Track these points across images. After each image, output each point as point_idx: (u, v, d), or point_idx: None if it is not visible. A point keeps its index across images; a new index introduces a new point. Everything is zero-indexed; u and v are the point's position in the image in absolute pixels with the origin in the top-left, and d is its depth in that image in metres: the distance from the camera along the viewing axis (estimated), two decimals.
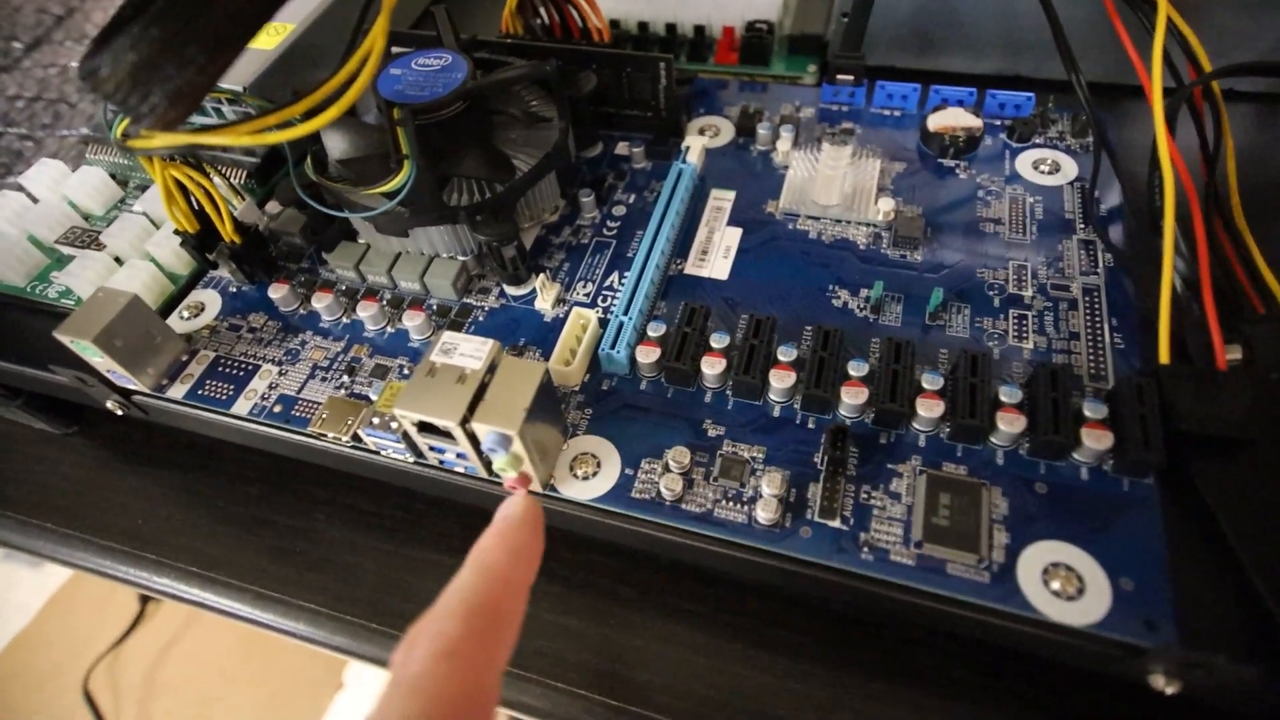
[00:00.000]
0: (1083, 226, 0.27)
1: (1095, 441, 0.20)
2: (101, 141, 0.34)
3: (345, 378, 0.26)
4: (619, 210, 0.30)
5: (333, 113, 0.19)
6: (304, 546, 0.29)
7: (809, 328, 0.25)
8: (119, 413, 0.29)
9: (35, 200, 0.32)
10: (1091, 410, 0.21)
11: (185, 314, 0.28)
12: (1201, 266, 0.23)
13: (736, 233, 0.29)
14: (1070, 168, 0.29)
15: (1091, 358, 0.23)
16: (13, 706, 0.81)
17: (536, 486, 0.22)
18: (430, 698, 0.13)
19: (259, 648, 0.81)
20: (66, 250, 0.30)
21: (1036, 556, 0.20)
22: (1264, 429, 0.20)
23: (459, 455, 0.22)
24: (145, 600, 0.86)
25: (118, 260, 0.29)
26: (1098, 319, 0.24)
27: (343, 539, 0.29)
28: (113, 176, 0.33)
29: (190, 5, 0.17)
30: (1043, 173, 0.29)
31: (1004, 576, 0.19)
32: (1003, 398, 0.22)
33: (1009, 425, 0.21)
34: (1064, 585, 0.19)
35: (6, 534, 0.31)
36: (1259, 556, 0.19)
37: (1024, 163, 0.29)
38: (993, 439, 0.22)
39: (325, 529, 0.29)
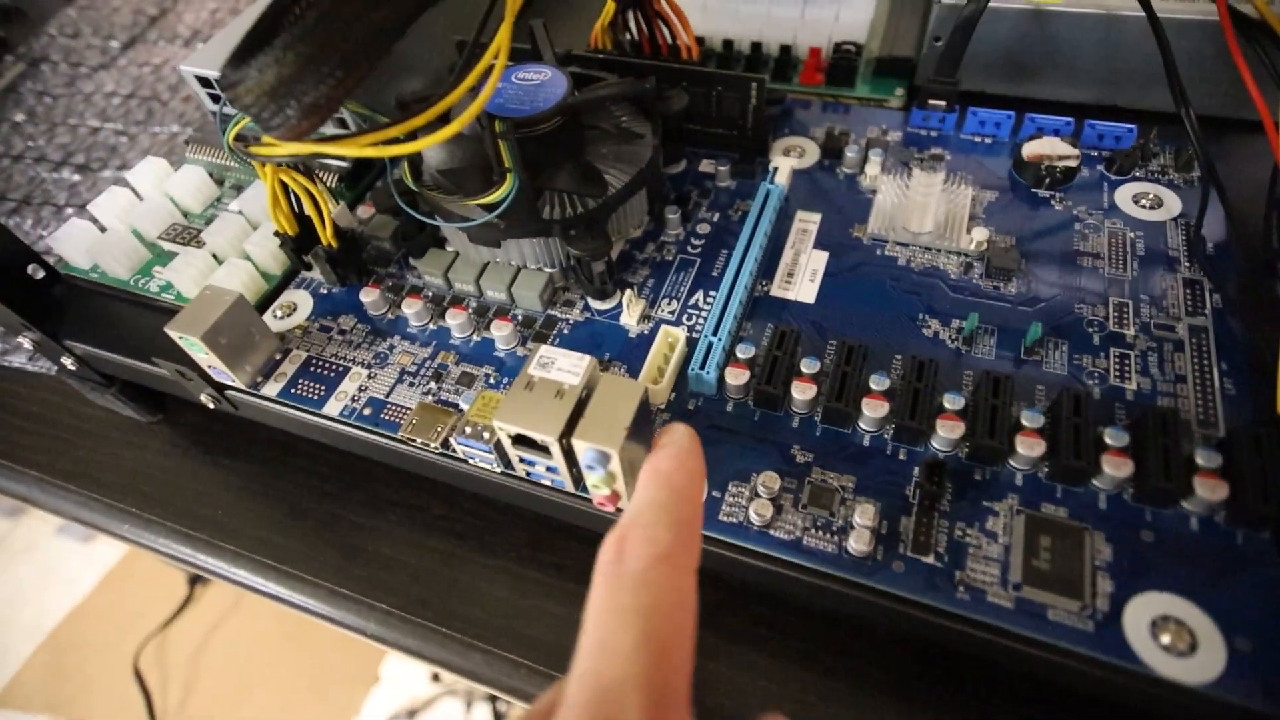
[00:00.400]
0: (1188, 265, 0.26)
1: (1209, 492, 0.20)
2: (202, 141, 0.35)
3: (432, 384, 0.26)
4: (703, 229, 0.30)
5: (455, 126, 0.19)
6: (375, 545, 0.30)
7: (898, 357, 0.25)
8: (211, 406, 0.29)
9: (140, 197, 0.33)
10: (1205, 459, 0.20)
11: (279, 313, 0.29)
12: None
13: (823, 256, 0.28)
14: (1173, 203, 0.28)
15: (1200, 403, 0.23)
16: (68, 675, 0.84)
17: (625, 504, 0.22)
18: (657, 592, 0.14)
19: (299, 637, 0.83)
20: (168, 246, 0.31)
21: (1144, 607, 0.19)
22: None
23: (549, 469, 0.22)
24: (193, 583, 0.89)
25: (216, 258, 0.30)
26: (1206, 362, 0.23)
27: (413, 540, 0.29)
28: (210, 175, 0.34)
29: (333, 23, 0.17)
30: (1144, 207, 0.28)
31: (1109, 626, 0.19)
32: (1108, 440, 0.21)
33: (1115, 469, 0.20)
34: (1174, 639, 0.18)
35: (94, 517, 0.32)
36: None
37: (1124, 196, 0.28)
38: (1095, 482, 0.21)
39: (396, 529, 0.30)
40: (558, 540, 0.28)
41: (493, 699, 0.86)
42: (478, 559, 0.29)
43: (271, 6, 0.18)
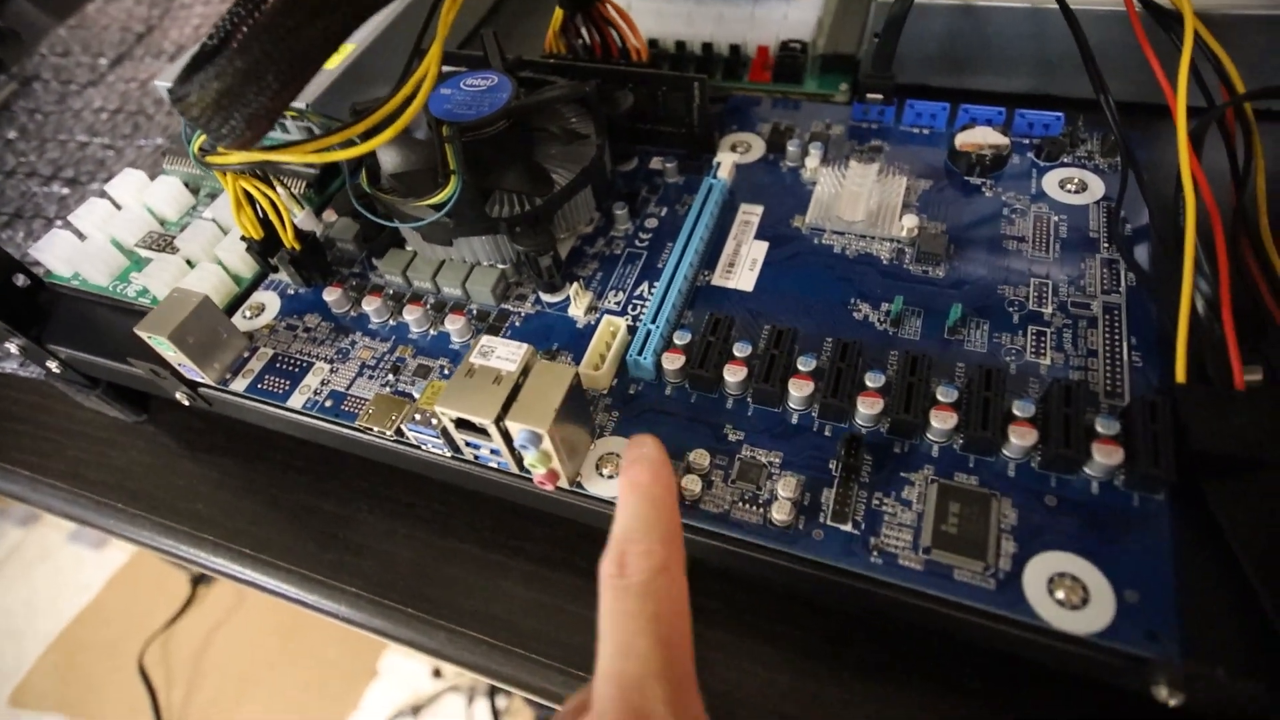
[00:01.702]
0: (1107, 246, 0.27)
1: (1105, 456, 0.21)
2: (178, 153, 0.37)
3: (390, 376, 0.28)
4: (651, 223, 0.31)
5: (388, 134, 0.21)
6: (347, 533, 0.31)
7: (829, 340, 0.26)
8: (186, 403, 0.31)
9: (119, 207, 0.35)
10: (1104, 426, 0.21)
11: (248, 314, 0.31)
12: (1222, 286, 0.23)
13: (763, 246, 0.30)
14: (1098, 187, 0.29)
15: (1109, 375, 0.24)
16: (76, 676, 0.86)
17: (564, 483, 0.24)
18: (661, 598, 0.17)
19: (299, 635, 0.85)
20: (144, 253, 0.33)
21: (1043, 566, 0.20)
22: (1278, 449, 0.20)
23: (493, 451, 0.23)
24: (196, 583, 0.91)
25: (189, 263, 0.32)
26: (1117, 337, 0.25)
27: (383, 527, 0.31)
28: (186, 185, 0.36)
29: (271, 37, 0.19)
30: (1070, 192, 0.29)
31: (1010, 584, 0.20)
32: (1016, 412, 0.22)
33: (1021, 439, 0.22)
34: (1068, 594, 0.20)
35: (83, 513, 0.34)
36: (1267, 574, 0.19)
37: (1051, 181, 0.30)
38: (1005, 452, 0.22)
39: (367, 517, 0.31)
40: (519, 525, 0.30)
41: (492, 694, 0.88)
42: (442, 543, 0.30)
43: (216, 25, 0.19)
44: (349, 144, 0.22)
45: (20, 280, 0.32)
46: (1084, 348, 0.25)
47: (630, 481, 0.19)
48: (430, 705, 0.87)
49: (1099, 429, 0.21)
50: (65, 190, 0.48)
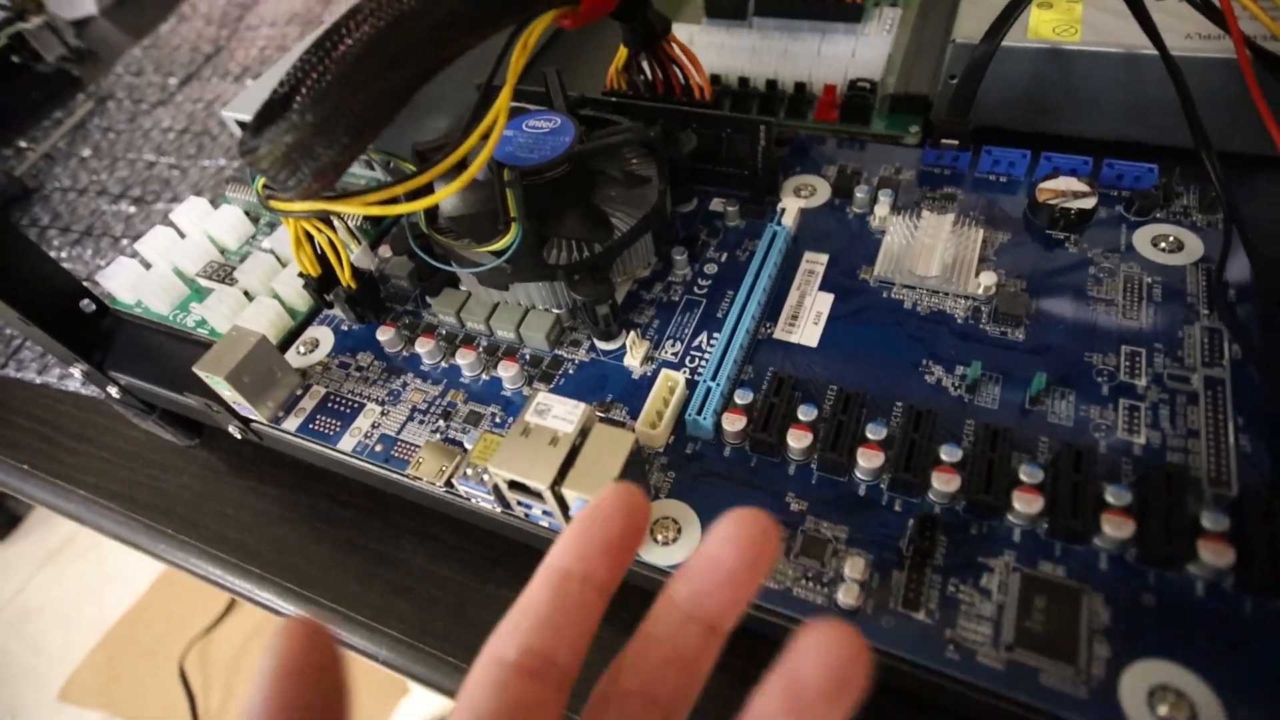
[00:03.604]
0: (1207, 313, 0.25)
1: (1214, 556, 0.19)
2: (240, 181, 0.37)
3: (441, 421, 0.27)
4: (710, 269, 0.30)
5: (455, 186, 0.20)
6: (389, 573, 0.31)
7: (899, 403, 0.25)
8: (238, 436, 0.31)
9: (182, 235, 0.35)
10: (1211, 521, 0.20)
11: (302, 349, 0.30)
12: None
13: (828, 299, 0.28)
14: (1195, 246, 0.27)
15: (1212, 460, 0.22)
16: (120, 675, 0.88)
17: None
18: None
19: None
20: (205, 283, 0.33)
21: (1142, 675, 0.18)
22: None
23: (545, 512, 0.23)
24: None
25: (247, 294, 0.32)
26: (1221, 417, 0.23)
27: (425, 569, 0.30)
28: (247, 214, 0.36)
29: (342, 91, 0.18)
30: (1163, 251, 0.27)
31: (1104, 694, 0.18)
32: (1109, 499, 0.20)
33: (1115, 529, 0.20)
34: (1173, 710, 0.18)
35: (134, 535, 0.34)
36: None
37: (1142, 239, 0.28)
38: (1096, 541, 0.21)
39: (410, 557, 0.31)
40: None
41: None
42: (484, 589, 0.29)
43: (287, 74, 0.19)
44: (415, 195, 0.21)
45: (86, 305, 0.33)
46: (1183, 426, 0.23)
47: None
48: None
49: (1205, 524, 0.20)
50: (132, 209, 0.49)
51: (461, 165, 0.21)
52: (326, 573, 0.31)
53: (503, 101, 0.21)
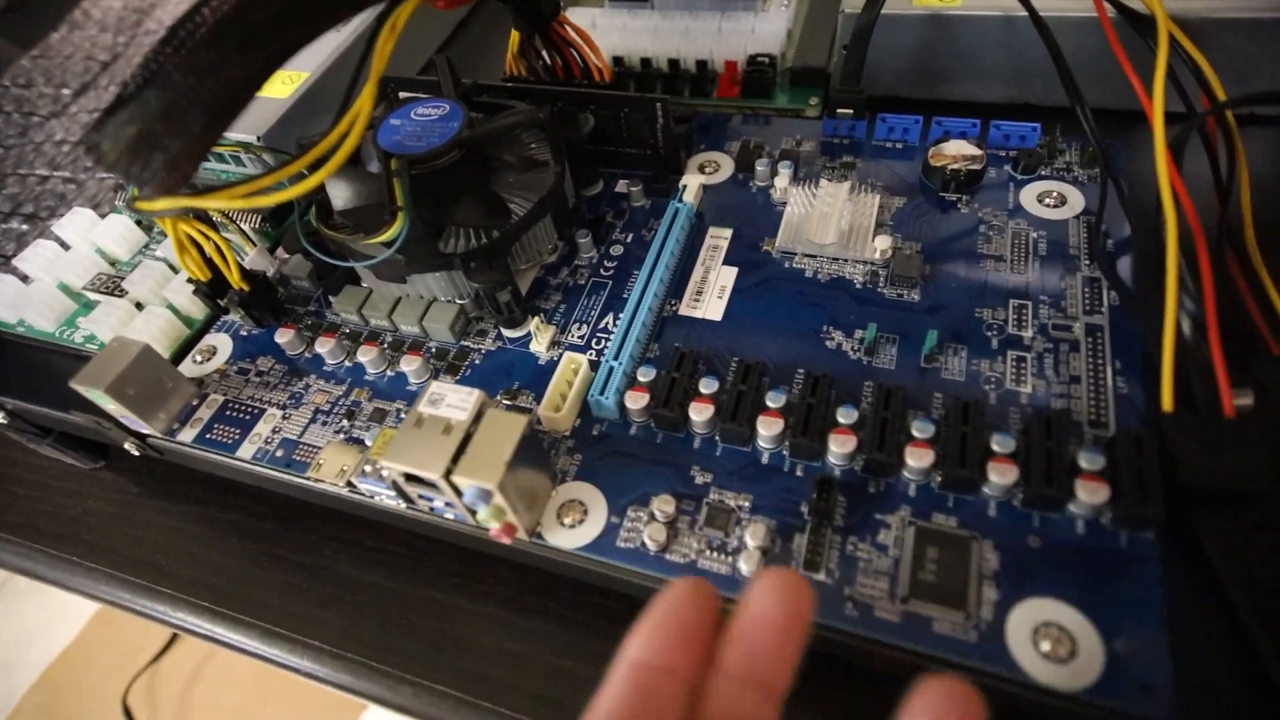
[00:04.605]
0: (1088, 263, 0.26)
1: (1090, 495, 0.20)
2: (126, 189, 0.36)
3: (345, 421, 0.27)
4: (616, 250, 0.30)
5: (316, 179, 0.20)
6: (310, 583, 0.30)
7: (801, 371, 0.25)
8: (135, 453, 0.30)
9: (66, 247, 0.33)
10: (1087, 461, 0.20)
11: (198, 358, 0.29)
12: (1208, 305, 0.22)
13: (732, 272, 0.28)
14: (1077, 201, 0.28)
15: (1093, 403, 0.23)
16: (59, 715, 0.85)
17: (523, 535, 0.22)
18: None
19: (285, 671, 0.83)
20: (93, 296, 0.32)
21: (1027, 615, 0.19)
22: (1275, 481, 0.19)
23: (446, 504, 0.22)
24: None
25: (139, 305, 0.31)
26: (1100, 362, 0.23)
27: (348, 575, 0.30)
28: (138, 223, 0.35)
29: (188, 78, 0.18)
30: (1048, 206, 0.28)
31: (992, 636, 0.19)
32: (995, 447, 0.21)
33: (1001, 476, 0.20)
34: (1055, 646, 0.18)
35: (36, 566, 0.33)
36: (1265, 619, 0.18)
37: (1028, 196, 0.28)
38: (985, 490, 0.21)
39: (332, 564, 0.30)
40: (488, 567, 0.29)
41: None
42: (409, 590, 0.29)
43: (136, 66, 0.18)
44: (281, 186, 0.20)
45: None
46: (1066, 373, 0.23)
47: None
48: None
49: (1082, 464, 0.20)
50: (24, 227, 0.47)
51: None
52: (245, 588, 0.30)
53: (370, 86, 0.20)
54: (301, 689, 0.82)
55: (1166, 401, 0.21)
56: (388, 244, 0.25)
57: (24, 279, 0.32)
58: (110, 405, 0.25)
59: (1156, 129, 0.23)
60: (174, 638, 0.87)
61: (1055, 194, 0.28)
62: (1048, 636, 0.18)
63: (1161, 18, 0.25)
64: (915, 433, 0.22)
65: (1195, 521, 0.20)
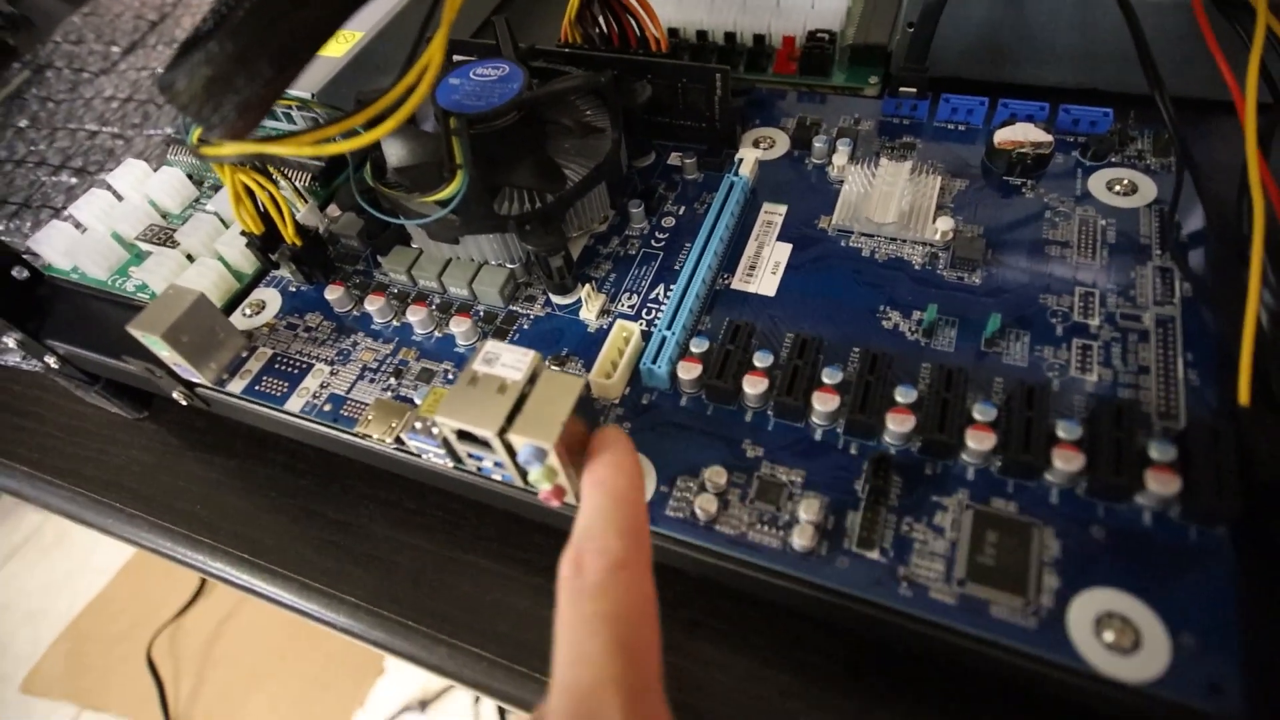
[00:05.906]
0: (1160, 253, 0.25)
1: (1160, 486, 0.19)
2: (182, 143, 0.36)
3: (392, 380, 0.26)
4: (668, 222, 0.30)
5: (389, 125, 0.20)
6: (347, 540, 0.30)
7: (857, 349, 0.25)
8: (183, 403, 0.30)
9: (120, 198, 0.34)
10: (1159, 452, 0.20)
11: (248, 311, 0.29)
12: None
13: (786, 248, 0.28)
14: (1149, 189, 0.27)
15: (1162, 395, 0.22)
16: (86, 666, 0.87)
17: (571, 499, 0.22)
18: (617, 597, 0.15)
19: (307, 629, 0.85)
20: (145, 246, 0.32)
21: (1090, 604, 0.19)
22: None
23: (496, 464, 0.22)
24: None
25: (189, 258, 0.31)
26: (1171, 353, 0.23)
27: (385, 535, 0.30)
28: (190, 177, 0.35)
29: (262, 22, 0.17)
30: (1118, 194, 0.27)
31: (1052, 623, 0.18)
32: (1060, 433, 0.20)
33: (1066, 463, 0.20)
34: (1118, 637, 0.18)
35: (80, 510, 0.33)
36: None
37: (1097, 182, 0.28)
38: (1048, 476, 0.21)
39: (369, 524, 0.30)
40: (525, 535, 0.29)
41: None
42: (446, 553, 0.29)
43: (209, 10, 0.18)
44: (349, 135, 0.20)
45: (19, 272, 0.32)
46: (1134, 364, 0.23)
47: (592, 478, 0.18)
48: (437, 701, 0.86)
49: (1153, 455, 0.20)
50: (74, 180, 0.47)
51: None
52: (282, 542, 0.31)
53: (439, 37, 0.20)
54: (319, 650, 0.84)
55: (1244, 395, 0.20)
56: (444, 203, 0.25)
57: (78, 226, 0.33)
58: (164, 352, 0.25)
59: (1248, 121, 0.22)
60: (197, 595, 0.89)
61: (1126, 181, 0.27)
62: (1111, 627, 0.18)
63: (1262, 9, 0.24)
64: (976, 415, 0.21)
65: (1270, 518, 0.19)
